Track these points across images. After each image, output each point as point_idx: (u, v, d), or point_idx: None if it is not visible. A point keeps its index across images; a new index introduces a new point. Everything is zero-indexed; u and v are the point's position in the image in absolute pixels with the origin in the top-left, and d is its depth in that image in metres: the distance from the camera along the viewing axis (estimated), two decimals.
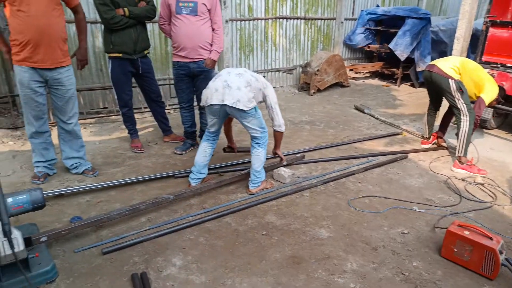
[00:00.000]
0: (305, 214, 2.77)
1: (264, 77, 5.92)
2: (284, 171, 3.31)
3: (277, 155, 3.41)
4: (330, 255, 2.32)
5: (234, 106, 2.74)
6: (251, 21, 6.27)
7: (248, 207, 2.84)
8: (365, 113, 5.48)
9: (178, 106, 4.05)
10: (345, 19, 7.59)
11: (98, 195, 2.99)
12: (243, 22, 6.17)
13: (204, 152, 3.12)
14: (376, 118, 5.23)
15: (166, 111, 4.30)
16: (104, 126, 4.71)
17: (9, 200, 1.87)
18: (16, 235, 1.84)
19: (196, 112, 4.02)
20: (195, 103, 3.90)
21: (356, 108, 5.72)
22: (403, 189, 3.22)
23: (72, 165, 3.30)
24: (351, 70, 7.70)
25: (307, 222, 2.67)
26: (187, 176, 3.26)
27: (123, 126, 4.14)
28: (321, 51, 7.16)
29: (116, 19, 3.38)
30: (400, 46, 6.88)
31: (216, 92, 2.80)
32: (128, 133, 4.04)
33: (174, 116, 4.93)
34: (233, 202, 2.93)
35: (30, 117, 3.02)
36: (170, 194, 2.82)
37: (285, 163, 3.47)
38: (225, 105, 2.78)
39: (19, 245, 1.84)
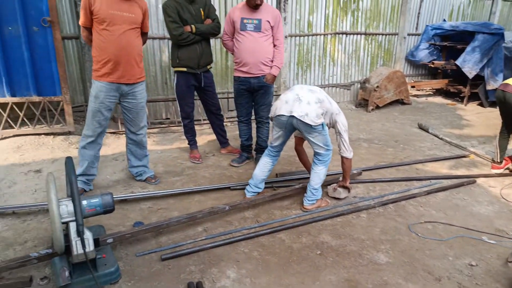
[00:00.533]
0: (362, 236, 2.68)
1: None
2: (339, 187, 3.26)
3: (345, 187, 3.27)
4: (388, 282, 2.22)
5: (301, 119, 2.75)
6: (310, 37, 6.28)
7: (302, 224, 2.81)
8: (429, 132, 5.21)
9: (235, 119, 4.15)
10: (408, 34, 7.35)
11: (159, 203, 3.14)
12: (302, 37, 6.21)
13: (263, 167, 3.15)
14: (441, 139, 4.95)
15: (224, 123, 4.42)
16: (166, 136, 4.95)
17: (84, 202, 2.02)
18: (88, 236, 1.98)
19: (254, 126, 4.09)
20: (253, 117, 3.98)
21: (420, 127, 5.46)
22: (471, 217, 3.00)
23: (136, 172, 3.49)
24: (413, 87, 7.39)
25: (364, 245, 2.57)
26: (243, 188, 3.32)
27: (184, 137, 4.32)
28: (381, 67, 6.98)
29: (184, 35, 3.57)
30: (469, 63, 6.49)
31: (286, 104, 2.84)
32: (188, 143, 4.20)
33: (231, 129, 5.05)
34: (287, 218, 2.91)
35: (91, 129, 3.13)
36: (226, 204, 2.87)
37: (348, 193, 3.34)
38: (292, 117, 2.79)
39: (90, 246, 1.97)
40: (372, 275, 2.27)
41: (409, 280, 2.24)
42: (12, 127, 4.26)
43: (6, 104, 4.16)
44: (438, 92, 7.75)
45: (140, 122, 3.33)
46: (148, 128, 4.97)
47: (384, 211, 3.04)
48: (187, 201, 3.17)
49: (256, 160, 3.97)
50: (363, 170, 3.78)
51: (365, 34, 6.83)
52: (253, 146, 4.17)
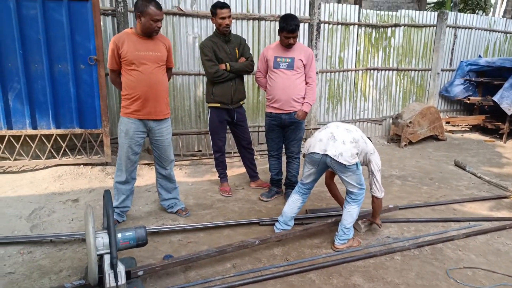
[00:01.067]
0: (396, 280, 2.56)
1: None
2: (362, 221, 3.18)
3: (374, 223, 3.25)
4: None
5: (335, 158, 2.75)
6: (341, 72, 6.35)
7: (333, 264, 2.73)
8: (466, 170, 5.02)
9: (265, 152, 4.19)
10: (442, 70, 7.27)
11: (189, 236, 3.16)
12: (332, 73, 6.28)
13: (293, 204, 3.14)
14: (479, 177, 4.75)
15: (254, 157, 4.47)
16: (197, 168, 5.05)
17: (119, 235, 2.08)
18: (121, 268, 2.02)
19: (284, 160, 4.11)
20: (283, 151, 4.01)
21: (456, 165, 5.28)
22: None
23: (168, 205, 3.56)
24: (447, 122, 7.21)
25: None
26: (272, 224, 3.30)
27: (214, 169, 4.39)
28: (414, 102, 6.89)
29: (219, 73, 3.72)
30: (507, 99, 6.29)
31: (320, 142, 2.85)
32: (219, 176, 4.26)
33: (260, 162, 5.09)
34: (317, 257, 2.85)
35: (123, 165, 3.26)
36: (255, 239, 2.85)
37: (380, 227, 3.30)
38: (326, 155, 2.79)
39: (122, 279, 2.01)
40: None
41: None
42: (54, 157, 4.50)
43: (51, 135, 4.42)
44: (475, 128, 7.51)
45: (168, 157, 3.42)
46: (180, 160, 5.14)
47: (420, 254, 2.91)
48: (217, 235, 3.18)
49: (286, 195, 3.96)
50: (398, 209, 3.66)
51: (397, 70, 6.82)
52: (283, 181, 4.17)
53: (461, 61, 7.41)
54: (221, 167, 4.20)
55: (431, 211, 3.73)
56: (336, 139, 2.80)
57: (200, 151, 5.58)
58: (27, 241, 2.93)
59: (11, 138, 4.29)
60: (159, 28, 3.09)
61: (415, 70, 7.02)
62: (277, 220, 3.23)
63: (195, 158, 5.34)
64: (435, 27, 6.94)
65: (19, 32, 4.03)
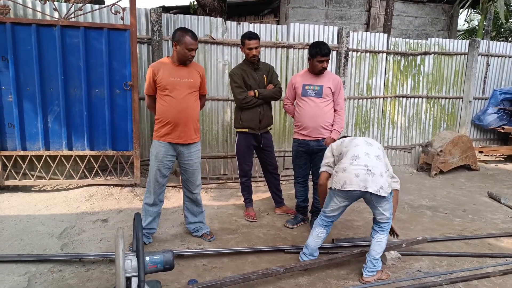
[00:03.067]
0: None
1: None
2: (388, 252, 3.06)
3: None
4: None
5: (377, 193, 2.69)
6: (369, 99, 6.32)
7: None
8: (501, 203, 4.79)
9: (291, 178, 4.17)
10: (474, 98, 7.09)
11: (213, 261, 3.16)
12: (360, 100, 6.26)
13: (317, 237, 3.08)
14: None
15: (280, 182, 4.45)
16: (223, 192, 5.08)
17: (147, 259, 2.11)
18: None
19: (310, 186, 4.07)
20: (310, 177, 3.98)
21: (490, 196, 5.06)
22: None
23: (193, 229, 3.59)
24: (480, 152, 6.96)
25: None
26: (297, 252, 3.25)
27: (239, 194, 4.40)
28: (445, 130, 6.72)
29: (247, 99, 3.80)
30: None
31: (357, 177, 2.72)
32: (244, 201, 4.27)
33: (285, 188, 5.06)
34: None
35: (152, 187, 3.34)
36: (280, 267, 2.81)
37: (398, 238, 3.21)
38: (366, 192, 2.72)
39: None
40: None
41: None
42: (86, 177, 4.66)
43: (85, 156, 4.60)
44: (510, 158, 7.21)
45: (195, 181, 3.47)
46: (206, 183, 5.19)
47: None
48: (241, 261, 3.16)
49: (311, 223, 3.90)
50: (428, 241, 3.52)
51: (427, 97, 6.72)
52: (309, 208, 4.12)
53: (495, 90, 7.21)
54: (246, 192, 4.21)
55: (465, 245, 3.56)
56: (374, 173, 2.70)
57: (226, 174, 5.63)
58: (58, 259, 3.01)
59: (47, 158, 4.50)
60: (193, 56, 3.23)
61: (446, 98, 6.89)
62: (302, 248, 3.17)
63: (221, 181, 5.39)
64: (466, 55, 6.83)
65: (62, 58, 4.30)
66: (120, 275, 1.93)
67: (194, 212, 3.58)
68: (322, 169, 3.13)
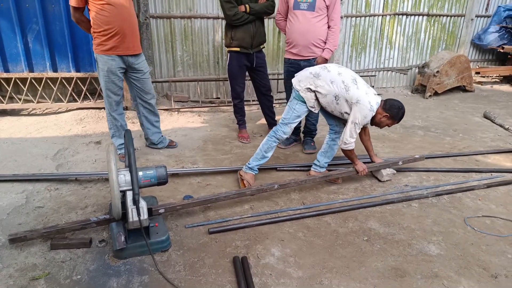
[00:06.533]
0: (412, 226, 2.58)
1: (374, 76, 5.66)
2: (384, 169, 3.16)
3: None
4: (439, 274, 2.13)
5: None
6: (367, 17, 6.01)
7: (349, 209, 2.76)
8: (494, 123, 4.83)
9: (284, 101, 4.11)
10: (476, 16, 6.78)
11: (207, 178, 3.23)
12: (358, 18, 5.95)
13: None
14: (507, 129, 4.58)
15: (273, 105, 4.40)
16: (216, 115, 5.04)
17: (140, 173, 2.13)
18: (143, 205, 2.09)
19: None
20: None
21: (485, 116, 5.08)
22: None
23: (157, 141, 3.71)
24: (477, 73, 6.87)
25: (414, 235, 2.48)
26: (289, 170, 3.35)
27: (233, 117, 4.37)
28: (443, 51, 6.53)
29: (238, 15, 3.57)
30: None
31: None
32: (237, 123, 4.26)
33: (279, 110, 5.01)
34: (334, 202, 2.88)
35: (112, 102, 3.31)
36: (275, 183, 2.87)
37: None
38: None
39: (144, 214, 2.09)
40: (421, 266, 2.18)
41: (461, 274, 2.13)
42: (75, 101, 4.56)
43: (72, 79, 4.44)
44: (506, 79, 7.14)
45: (150, 90, 3.49)
46: (198, 107, 5.13)
47: (438, 202, 2.90)
48: (234, 179, 3.23)
49: (304, 143, 3.94)
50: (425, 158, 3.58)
51: (428, 15, 6.40)
52: (302, 129, 4.13)
53: (499, 6, 6.87)
54: (239, 114, 4.18)
55: (453, 162, 3.66)
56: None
57: (219, 98, 5.54)
58: (54, 178, 3.06)
59: (33, 80, 4.35)
60: None
61: (447, 16, 6.57)
62: (293, 167, 3.24)
63: (213, 105, 5.32)
64: None
65: None
66: (114, 188, 1.95)
67: (152, 120, 3.63)
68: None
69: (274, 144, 3.07)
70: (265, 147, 3.07)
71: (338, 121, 3.09)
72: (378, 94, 2.96)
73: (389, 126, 2.96)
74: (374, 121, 2.91)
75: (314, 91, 2.86)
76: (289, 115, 2.98)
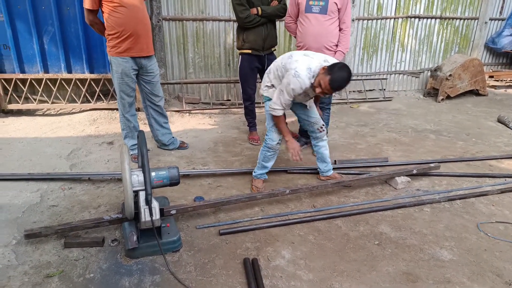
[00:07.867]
0: (424, 231, 2.55)
1: (386, 79, 5.59)
2: (399, 177, 3.14)
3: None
4: (451, 279, 2.10)
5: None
6: (379, 20, 5.98)
7: (360, 213, 2.75)
8: (509, 127, 4.76)
9: None
10: (490, 19, 6.69)
11: (218, 180, 3.24)
12: (369, 21, 5.93)
13: None
14: None
15: None
16: (227, 117, 5.06)
17: (153, 174, 2.15)
18: (155, 205, 2.11)
19: None
20: None
21: (499, 121, 5.01)
22: None
23: (168, 141, 3.73)
24: (491, 77, 6.78)
25: (426, 240, 2.46)
26: (300, 173, 3.34)
27: (243, 118, 4.39)
28: (456, 54, 6.46)
29: (250, 18, 3.59)
30: None
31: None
32: (248, 125, 4.27)
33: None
34: (344, 206, 2.86)
35: (126, 103, 3.34)
36: (286, 188, 2.87)
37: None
38: None
39: (156, 214, 2.11)
40: (433, 271, 2.16)
41: (474, 280, 2.10)
42: (89, 102, 4.63)
43: (85, 80, 4.51)
44: None
45: (159, 92, 3.53)
46: (209, 109, 5.16)
47: (451, 207, 2.87)
48: (245, 181, 3.24)
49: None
50: (428, 163, 3.56)
51: (441, 18, 6.34)
52: None
53: None
54: (250, 116, 4.19)
55: (466, 167, 3.62)
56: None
57: (229, 100, 5.57)
58: (68, 178, 3.10)
59: (48, 81, 4.42)
60: None
61: (461, 19, 6.50)
62: (303, 170, 3.24)
63: (224, 107, 5.35)
64: None
65: None
66: (127, 188, 1.98)
67: (160, 122, 3.66)
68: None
69: (269, 154, 3.05)
70: (261, 157, 3.09)
71: (307, 118, 3.09)
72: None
73: (323, 89, 2.54)
74: (315, 85, 2.62)
75: (272, 85, 2.89)
76: (270, 121, 2.97)
